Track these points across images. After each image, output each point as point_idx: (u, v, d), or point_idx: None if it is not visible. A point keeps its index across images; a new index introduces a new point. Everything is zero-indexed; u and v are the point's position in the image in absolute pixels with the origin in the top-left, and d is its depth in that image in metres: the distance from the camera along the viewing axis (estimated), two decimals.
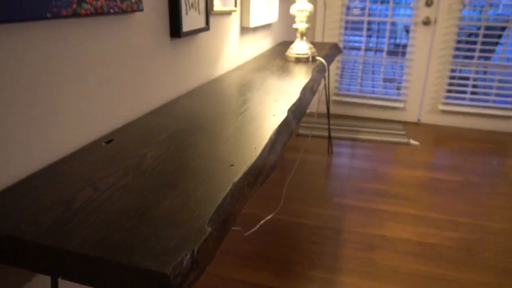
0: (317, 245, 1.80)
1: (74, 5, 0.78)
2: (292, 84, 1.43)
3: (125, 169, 0.76)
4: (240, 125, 0.99)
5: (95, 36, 0.87)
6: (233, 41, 1.74)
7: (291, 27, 3.10)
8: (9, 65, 0.68)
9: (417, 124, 3.47)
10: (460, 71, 3.36)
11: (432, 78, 3.35)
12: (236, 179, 0.72)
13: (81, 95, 0.86)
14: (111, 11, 0.88)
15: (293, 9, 1.87)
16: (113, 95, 0.96)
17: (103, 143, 0.88)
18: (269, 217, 2.01)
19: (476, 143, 3.06)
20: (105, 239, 0.56)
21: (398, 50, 3.69)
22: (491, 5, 3.05)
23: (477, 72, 3.35)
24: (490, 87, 3.30)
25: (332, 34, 3.45)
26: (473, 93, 3.35)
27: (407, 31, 4.01)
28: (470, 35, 3.51)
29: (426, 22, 3.18)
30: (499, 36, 3.32)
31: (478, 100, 3.36)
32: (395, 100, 3.50)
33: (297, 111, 1.19)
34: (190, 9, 1.23)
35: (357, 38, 3.72)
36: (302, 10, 1.86)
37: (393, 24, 3.54)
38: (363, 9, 3.37)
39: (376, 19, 3.35)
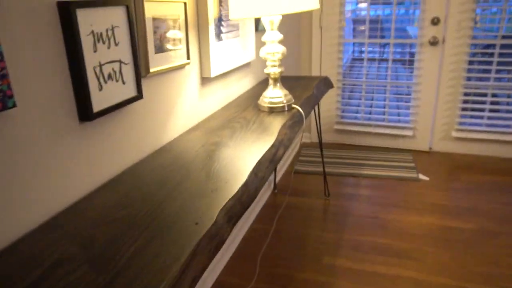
0: None
1: None
2: (246, 158, 1.18)
3: None
4: (140, 246, 0.74)
5: None
6: (190, 95, 1.52)
7: None
8: None
9: (428, 153, 3.14)
10: (474, 94, 3.02)
11: (443, 103, 3.02)
12: None
13: None
14: None
15: (262, 53, 1.63)
16: None
17: None
18: None
19: (494, 175, 2.71)
20: None
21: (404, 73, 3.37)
22: (508, 20, 2.72)
23: (494, 95, 3.00)
24: (511, 111, 2.94)
25: (331, 59, 3.18)
26: (490, 118, 3.00)
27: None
28: (484, 54, 3.17)
29: (433, 42, 2.87)
30: None
31: (497, 125, 3.00)
32: (404, 128, 3.19)
33: (237, 208, 0.95)
34: (106, 82, 1.01)
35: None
36: (273, 53, 1.62)
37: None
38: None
39: (378, 40, 3.06)
